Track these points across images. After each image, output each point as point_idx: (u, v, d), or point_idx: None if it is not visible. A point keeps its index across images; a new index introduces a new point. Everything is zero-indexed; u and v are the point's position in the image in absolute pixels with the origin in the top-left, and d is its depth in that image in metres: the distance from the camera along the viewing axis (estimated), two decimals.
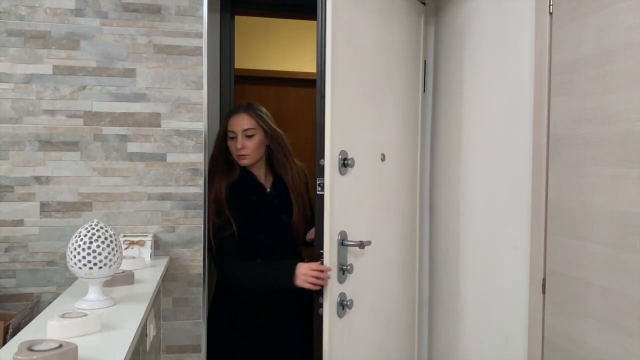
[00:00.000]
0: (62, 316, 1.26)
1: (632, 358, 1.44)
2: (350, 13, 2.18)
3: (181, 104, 2.27)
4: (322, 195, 2.06)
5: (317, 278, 2.07)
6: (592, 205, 1.59)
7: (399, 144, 2.55)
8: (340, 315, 2.16)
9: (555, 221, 1.78)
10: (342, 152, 2.11)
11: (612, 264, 1.52)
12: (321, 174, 2.07)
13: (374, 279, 2.38)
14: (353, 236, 2.17)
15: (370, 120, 2.34)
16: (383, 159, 2.38)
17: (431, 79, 2.81)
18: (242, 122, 2.32)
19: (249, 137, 2.32)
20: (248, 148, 2.31)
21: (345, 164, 2.13)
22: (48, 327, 1.22)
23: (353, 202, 2.23)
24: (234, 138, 2.33)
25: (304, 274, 2.10)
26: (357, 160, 2.15)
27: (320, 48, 2.05)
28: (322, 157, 2.06)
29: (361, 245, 2.12)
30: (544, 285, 1.83)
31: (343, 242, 2.15)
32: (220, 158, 2.36)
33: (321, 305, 2.10)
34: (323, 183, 2.05)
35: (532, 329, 1.89)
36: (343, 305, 2.16)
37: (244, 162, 2.34)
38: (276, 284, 2.23)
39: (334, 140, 2.07)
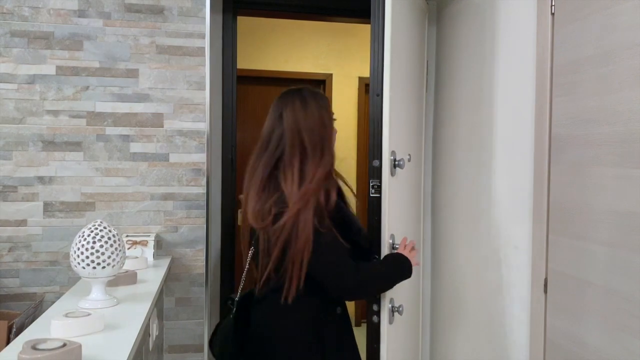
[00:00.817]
0: (66, 315, 1.26)
1: (634, 358, 1.44)
2: (399, 13, 2.08)
3: (184, 104, 2.27)
4: (377, 197, 1.89)
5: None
6: (594, 206, 1.60)
7: (415, 145, 2.50)
8: (390, 322, 1.97)
9: (557, 221, 1.78)
10: (393, 153, 1.97)
11: (614, 264, 1.52)
12: (375, 175, 1.91)
13: (405, 282, 2.20)
14: (396, 239, 2.00)
15: (403, 120, 2.26)
16: (409, 160, 2.27)
17: (433, 79, 2.81)
18: None
19: None
20: None
21: (395, 164, 1.97)
22: (52, 327, 1.23)
23: (397, 205, 2.13)
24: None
25: (410, 255, 1.79)
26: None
27: (376, 48, 1.96)
28: (375, 157, 1.89)
29: (412, 248, 1.88)
30: (545, 285, 1.83)
31: (394, 246, 1.94)
32: None
33: (375, 313, 1.90)
34: (377, 185, 1.88)
35: (534, 329, 1.89)
36: (394, 311, 1.98)
37: None
38: (404, 275, 1.80)
39: (390, 141, 1.92)
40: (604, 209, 1.56)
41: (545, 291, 1.84)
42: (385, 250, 1.89)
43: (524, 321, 1.96)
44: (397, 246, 1.94)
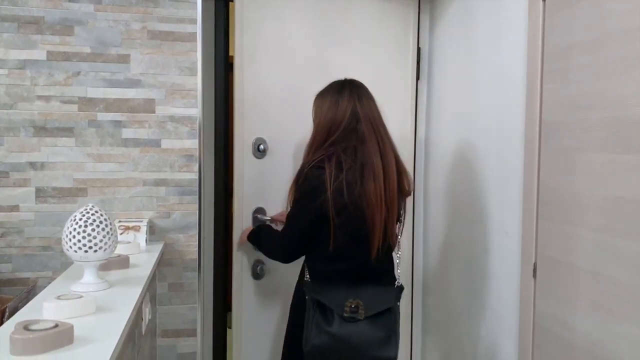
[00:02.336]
0: (58, 298, 1.27)
1: (621, 341, 1.46)
2: None
3: (175, 90, 2.27)
4: None
5: None
6: (583, 191, 1.61)
7: None
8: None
9: (546, 207, 1.80)
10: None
11: (602, 249, 1.54)
12: None
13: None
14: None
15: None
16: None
17: (426, 66, 2.81)
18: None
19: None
20: None
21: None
22: (44, 309, 1.24)
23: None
24: None
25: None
26: None
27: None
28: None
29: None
30: (534, 271, 1.85)
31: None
32: None
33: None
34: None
35: (523, 314, 1.91)
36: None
37: None
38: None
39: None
40: (593, 194, 1.57)
41: (535, 276, 1.86)
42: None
43: (514, 306, 1.99)
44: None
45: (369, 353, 1.75)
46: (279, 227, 2.23)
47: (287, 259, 1.97)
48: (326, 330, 1.73)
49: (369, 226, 1.78)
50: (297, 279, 2.03)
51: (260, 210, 2.46)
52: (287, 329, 2.03)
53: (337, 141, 1.82)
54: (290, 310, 2.03)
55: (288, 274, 2.24)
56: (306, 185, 1.79)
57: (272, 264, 2.43)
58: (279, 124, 2.49)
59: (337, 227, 1.77)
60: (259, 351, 2.56)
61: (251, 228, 2.26)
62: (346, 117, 1.83)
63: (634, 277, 1.42)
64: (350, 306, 1.74)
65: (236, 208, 2.44)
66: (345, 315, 1.74)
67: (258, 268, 2.48)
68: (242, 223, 2.43)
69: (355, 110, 1.84)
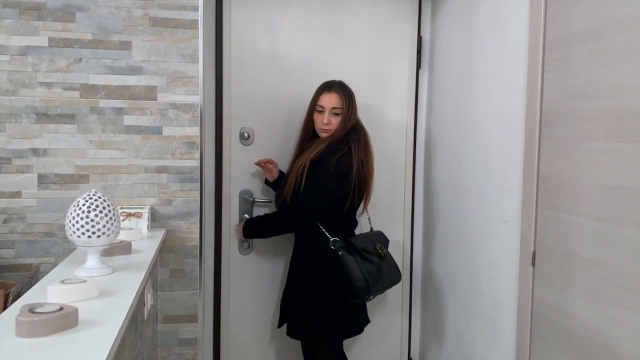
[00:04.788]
0: (62, 282, 1.28)
1: (618, 328, 1.48)
2: None
3: (177, 77, 2.27)
4: None
5: None
6: (582, 180, 1.62)
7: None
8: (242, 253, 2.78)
9: (546, 195, 1.81)
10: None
11: (600, 237, 1.55)
12: None
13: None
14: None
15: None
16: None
17: (427, 55, 2.81)
18: (332, 100, 2.32)
19: (336, 114, 2.33)
20: (332, 124, 2.33)
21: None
22: (48, 292, 1.25)
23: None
24: (322, 112, 2.34)
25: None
26: None
27: None
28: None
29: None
30: (533, 258, 1.87)
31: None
32: (310, 129, 2.44)
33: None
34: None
35: (522, 301, 1.93)
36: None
37: (324, 134, 2.35)
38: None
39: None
40: (592, 182, 1.58)
41: (533, 264, 1.87)
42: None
43: (513, 294, 2.01)
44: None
45: (392, 277, 2.40)
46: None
47: (304, 225, 2.36)
48: (372, 265, 2.28)
49: (367, 190, 2.39)
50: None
51: (246, 192, 2.70)
52: (309, 288, 2.33)
53: (350, 131, 2.33)
54: (308, 272, 2.34)
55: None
56: (339, 169, 2.24)
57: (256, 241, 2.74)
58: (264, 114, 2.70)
59: (355, 196, 2.30)
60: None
61: (241, 225, 2.50)
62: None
63: (632, 264, 1.43)
64: (380, 247, 2.37)
65: (224, 190, 2.67)
66: (381, 253, 2.35)
67: (244, 244, 2.74)
68: (229, 203, 2.67)
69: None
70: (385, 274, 2.33)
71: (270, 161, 2.58)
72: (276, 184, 2.56)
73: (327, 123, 2.31)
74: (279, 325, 2.47)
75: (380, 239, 2.45)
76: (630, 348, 1.44)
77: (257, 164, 2.58)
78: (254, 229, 2.44)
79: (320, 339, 2.35)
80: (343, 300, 2.29)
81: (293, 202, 2.31)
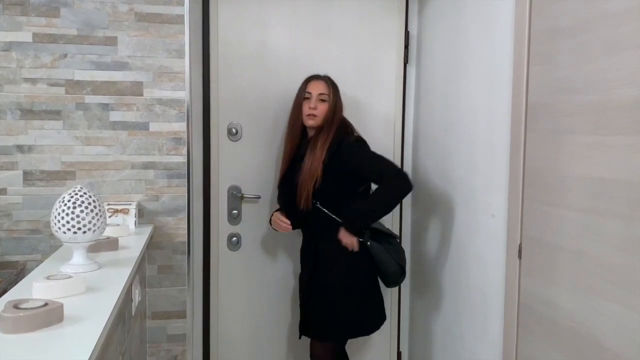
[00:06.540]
0: (48, 278, 1.28)
1: (604, 320, 1.50)
2: None
3: (163, 72, 2.26)
4: None
5: None
6: (568, 173, 1.64)
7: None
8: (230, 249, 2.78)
9: (532, 189, 1.82)
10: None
11: (586, 229, 1.56)
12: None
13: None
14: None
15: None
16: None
17: (414, 50, 2.82)
18: (319, 87, 2.37)
19: (322, 101, 2.36)
20: (319, 110, 2.35)
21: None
22: (34, 288, 1.24)
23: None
24: (309, 99, 2.36)
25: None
26: None
27: None
28: None
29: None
30: (520, 251, 1.88)
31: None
32: (299, 121, 2.43)
33: None
34: None
35: (509, 293, 1.95)
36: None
37: (311, 122, 2.36)
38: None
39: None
40: (577, 175, 1.60)
41: (520, 257, 1.89)
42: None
43: (500, 286, 2.02)
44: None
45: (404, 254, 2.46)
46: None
47: (406, 175, 2.35)
48: (395, 247, 2.37)
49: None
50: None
51: (235, 188, 2.70)
52: (342, 276, 2.35)
53: (340, 127, 2.39)
54: (341, 271, 2.35)
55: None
56: (365, 144, 2.37)
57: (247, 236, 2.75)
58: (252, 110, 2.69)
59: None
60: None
61: (347, 233, 2.34)
62: None
63: (617, 256, 1.45)
64: (387, 228, 2.45)
65: (213, 186, 2.66)
66: (392, 233, 2.43)
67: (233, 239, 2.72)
68: (217, 199, 2.66)
69: None
70: (402, 251, 2.43)
71: (285, 222, 2.44)
72: (294, 219, 2.44)
73: (314, 108, 2.32)
74: (301, 336, 2.42)
75: None
76: (614, 339, 1.46)
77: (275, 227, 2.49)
78: (369, 217, 2.33)
79: (351, 336, 2.46)
80: (370, 294, 2.38)
81: (315, 195, 2.30)
